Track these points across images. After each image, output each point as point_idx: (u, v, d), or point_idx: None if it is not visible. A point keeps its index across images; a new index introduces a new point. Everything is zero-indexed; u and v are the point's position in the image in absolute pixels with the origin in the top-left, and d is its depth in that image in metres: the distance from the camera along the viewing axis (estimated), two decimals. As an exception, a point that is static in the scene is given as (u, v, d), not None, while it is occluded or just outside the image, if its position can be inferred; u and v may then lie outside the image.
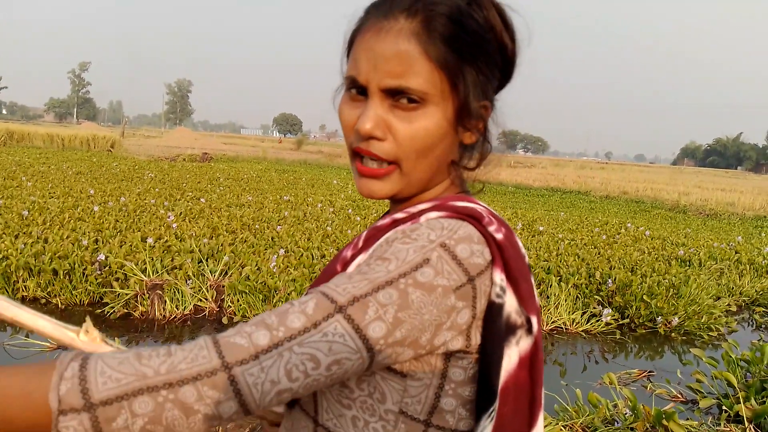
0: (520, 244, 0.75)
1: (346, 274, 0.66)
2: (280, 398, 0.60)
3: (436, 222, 0.68)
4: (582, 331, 5.50)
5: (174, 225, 7.00)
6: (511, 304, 0.69)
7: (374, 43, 0.69)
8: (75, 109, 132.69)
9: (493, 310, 0.68)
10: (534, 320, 0.71)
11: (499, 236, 0.69)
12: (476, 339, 0.69)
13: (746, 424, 3.46)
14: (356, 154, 0.73)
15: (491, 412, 0.68)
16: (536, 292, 0.75)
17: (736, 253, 8.91)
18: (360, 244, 0.74)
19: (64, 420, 0.54)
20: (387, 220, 0.75)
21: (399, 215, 0.74)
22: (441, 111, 0.70)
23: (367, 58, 0.69)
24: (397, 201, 0.79)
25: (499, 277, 0.68)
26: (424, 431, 0.70)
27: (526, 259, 0.75)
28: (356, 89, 0.72)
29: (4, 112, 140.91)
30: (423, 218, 0.71)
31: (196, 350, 0.59)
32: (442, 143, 0.72)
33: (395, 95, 0.69)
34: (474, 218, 0.70)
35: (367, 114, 0.69)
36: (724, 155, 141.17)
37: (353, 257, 0.73)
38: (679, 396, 4.16)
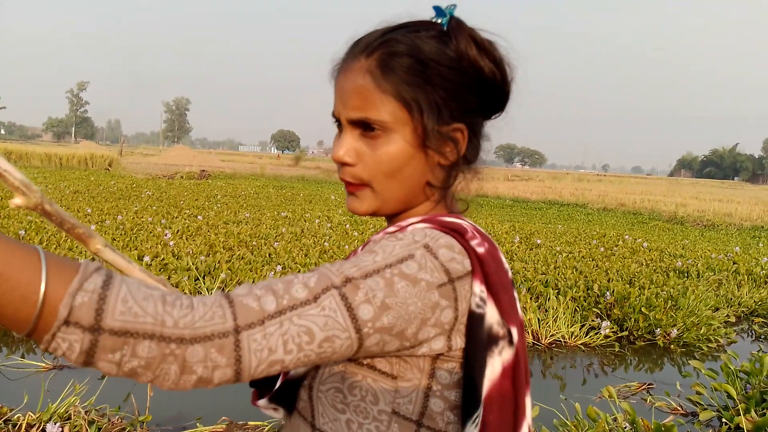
0: (503, 259, 0.80)
1: (339, 261, 0.69)
2: (270, 369, 0.60)
3: (420, 230, 0.74)
4: (581, 344, 5.48)
5: (171, 243, 6.99)
6: (492, 315, 0.72)
7: (342, 81, 0.78)
8: (73, 129, 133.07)
9: (474, 320, 0.71)
10: (515, 331, 0.74)
11: (480, 250, 0.73)
12: (458, 343, 0.72)
13: (746, 436, 3.43)
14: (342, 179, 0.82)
15: (476, 419, 0.71)
16: (519, 305, 0.79)
17: (734, 263, 8.91)
18: (358, 253, 0.78)
19: (65, 331, 0.52)
20: (380, 234, 0.79)
21: (391, 228, 0.79)
22: (401, 137, 0.76)
23: (338, 95, 0.79)
24: (389, 219, 0.86)
25: (478, 288, 0.71)
26: (416, 430, 0.73)
27: (509, 274, 0.80)
28: (337, 123, 0.81)
29: (2, 132, 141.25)
30: (410, 228, 0.76)
31: (215, 308, 0.58)
32: (409, 165, 0.78)
33: (361, 126, 0.77)
34: (457, 232, 0.74)
35: (339, 144, 0.79)
36: (721, 166, 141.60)
37: None
38: (679, 408, 4.14)
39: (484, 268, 0.73)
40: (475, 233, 0.76)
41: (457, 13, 0.78)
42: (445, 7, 0.77)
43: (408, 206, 0.82)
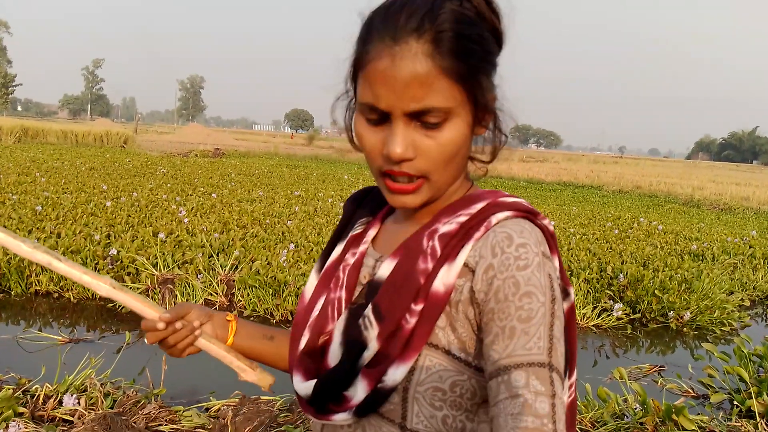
0: None
1: (514, 327, 0.68)
2: None
3: (515, 226, 0.73)
4: (593, 325, 5.47)
5: (185, 220, 7.04)
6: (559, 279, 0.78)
7: (391, 70, 0.70)
8: (89, 106, 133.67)
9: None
10: (570, 290, 0.80)
11: (551, 228, 0.79)
12: None
13: (758, 419, 3.43)
14: (385, 174, 0.76)
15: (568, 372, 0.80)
16: None
17: (750, 247, 8.82)
18: (438, 253, 0.74)
19: None
20: (453, 226, 0.76)
21: (462, 218, 0.76)
22: (463, 120, 0.73)
23: (387, 86, 0.70)
24: None
25: (557, 262, 0.77)
26: None
27: None
28: (376, 114, 0.73)
29: (19, 108, 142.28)
30: (494, 220, 0.75)
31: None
32: (465, 146, 0.76)
33: (419, 116, 0.72)
34: (532, 214, 0.78)
35: (395, 140, 0.72)
36: (740, 149, 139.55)
37: (435, 268, 0.74)
38: (690, 391, 4.13)
39: (555, 242, 0.79)
40: (536, 210, 0.80)
41: None
42: None
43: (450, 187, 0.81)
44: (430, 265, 0.74)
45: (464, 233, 0.75)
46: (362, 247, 0.89)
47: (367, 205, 0.94)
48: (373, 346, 0.74)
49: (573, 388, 0.86)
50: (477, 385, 0.74)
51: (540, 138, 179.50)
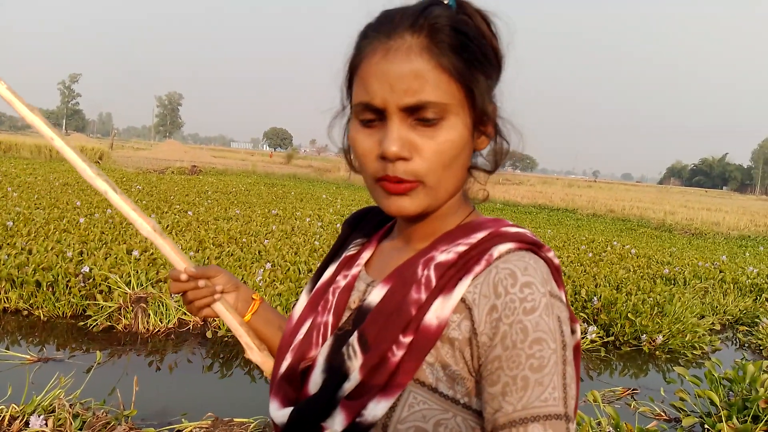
0: None
1: (526, 378, 0.65)
2: None
3: (519, 262, 0.69)
4: (567, 348, 5.50)
5: (160, 238, 6.95)
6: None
7: (385, 64, 0.69)
8: (64, 121, 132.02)
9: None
10: (577, 326, 0.75)
11: (556, 261, 0.75)
12: None
13: (728, 442, 3.47)
14: (380, 180, 0.73)
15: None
16: None
17: (720, 272, 8.99)
18: (433, 284, 0.71)
19: None
20: (452, 255, 0.72)
21: (461, 248, 0.73)
22: (461, 120, 0.71)
23: (381, 81, 0.69)
24: (412, 218, 0.79)
25: (563, 297, 0.72)
26: None
27: None
28: (370, 114, 0.71)
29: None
30: (496, 252, 0.71)
31: None
32: (464, 152, 0.73)
33: (415, 112, 0.69)
34: (536, 246, 0.74)
35: (390, 137, 0.69)
36: (710, 175, 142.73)
37: (429, 300, 0.70)
38: (663, 414, 4.17)
39: (560, 276, 0.74)
40: (541, 242, 0.76)
41: None
42: None
43: (449, 199, 0.77)
44: (424, 296, 0.70)
45: (463, 264, 0.71)
46: (354, 270, 0.85)
47: (363, 227, 0.92)
48: (354, 377, 0.70)
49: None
50: (463, 424, 0.69)
51: (516, 161, 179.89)
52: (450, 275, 0.71)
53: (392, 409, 0.69)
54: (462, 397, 0.69)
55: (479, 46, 0.71)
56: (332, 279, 0.87)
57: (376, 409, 0.69)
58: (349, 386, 0.70)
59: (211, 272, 0.96)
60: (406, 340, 0.69)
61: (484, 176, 0.82)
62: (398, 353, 0.69)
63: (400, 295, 0.72)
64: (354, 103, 0.74)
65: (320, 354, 0.77)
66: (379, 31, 0.71)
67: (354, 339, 0.72)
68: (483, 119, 0.73)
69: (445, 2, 0.72)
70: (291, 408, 0.76)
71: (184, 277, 0.94)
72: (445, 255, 0.73)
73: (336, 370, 0.73)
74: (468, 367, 0.69)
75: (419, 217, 0.78)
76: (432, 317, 0.69)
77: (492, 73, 0.74)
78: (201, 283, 0.94)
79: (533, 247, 0.73)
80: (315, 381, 0.75)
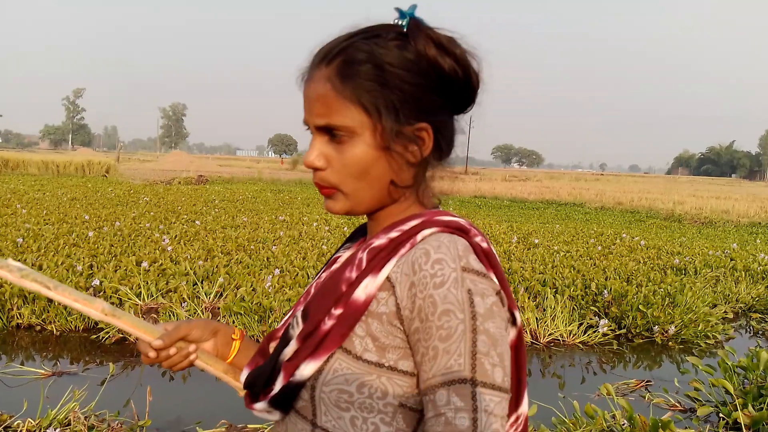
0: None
1: (436, 347, 0.72)
2: None
3: (434, 242, 0.76)
4: (579, 342, 5.49)
5: (169, 248, 7.00)
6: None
7: (306, 89, 0.82)
8: (70, 136, 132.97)
9: None
10: (517, 314, 0.83)
11: (484, 245, 0.81)
12: None
13: (744, 431, 3.45)
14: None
15: None
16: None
17: (731, 260, 8.93)
18: (363, 265, 0.79)
19: None
20: (383, 240, 0.80)
21: (393, 234, 0.81)
22: (364, 140, 0.79)
23: (305, 103, 0.82)
24: (371, 215, 0.88)
25: (494, 278, 0.78)
26: (419, 419, 0.78)
27: None
28: (308, 130, 0.84)
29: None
30: (420, 236, 0.79)
31: None
32: (374, 167, 0.80)
33: (327, 131, 0.80)
34: (462, 231, 0.80)
35: (309, 150, 0.82)
36: (718, 163, 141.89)
37: (359, 278, 0.78)
38: (677, 405, 4.15)
39: (491, 260, 0.80)
40: (474, 229, 0.82)
41: (433, 12, 0.80)
42: (407, 9, 0.79)
43: (382, 204, 0.85)
44: (354, 275, 0.79)
45: (393, 248, 0.79)
46: (334, 267, 0.94)
47: (356, 235, 1.00)
48: (293, 344, 0.81)
49: (520, 421, 0.86)
50: (389, 383, 0.76)
51: (522, 157, 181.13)
52: (380, 257, 0.79)
53: (319, 372, 0.78)
54: (387, 361, 0.76)
55: (392, 73, 0.77)
56: (318, 277, 0.98)
57: (305, 370, 0.78)
58: (288, 351, 0.81)
59: (181, 332, 0.95)
60: (337, 312, 0.78)
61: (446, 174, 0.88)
62: (329, 323, 0.78)
63: (338, 275, 0.81)
64: None
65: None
66: (313, 60, 0.82)
67: (299, 313, 0.84)
68: (395, 139, 0.79)
69: (399, 23, 0.79)
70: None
71: (152, 354, 0.92)
72: (378, 240, 0.81)
73: (284, 339, 0.84)
74: (402, 337, 0.76)
75: (375, 217, 0.88)
76: (360, 293, 0.77)
77: (413, 95, 0.78)
78: (172, 350, 0.92)
79: (458, 231, 0.80)
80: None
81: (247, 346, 1.02)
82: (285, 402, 0.81)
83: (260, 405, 0.84)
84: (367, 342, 0.76)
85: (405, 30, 0.78)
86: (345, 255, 0.96)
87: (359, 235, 1.00)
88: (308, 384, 0.79)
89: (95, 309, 0.87)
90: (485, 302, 0.73)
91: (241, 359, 0.99)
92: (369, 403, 0.76)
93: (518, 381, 0.83)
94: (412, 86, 0.78)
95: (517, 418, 0.86)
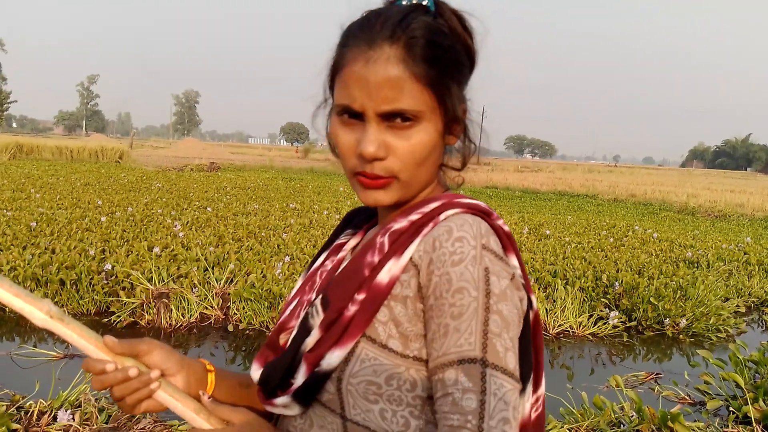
0: None
1: (447, 325, 0.70)
2: None
3: (458, 220, 0.75)
4: (589, 334, 5.47)
5: (180, 234, 7.04)
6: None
7: (365, 72, 0.73)
8: (84, 122, 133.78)
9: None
10: (533, 297, 0.81)
11: (506, 228, 0.80)
12: None
13: (754, 425, 3.43)
14: (358, 174, 0.78)
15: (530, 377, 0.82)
16: None
17: (745, 254, 8.84)
18: (386, 249, 0.77)
19: None
20: (404, 223, 0.78)
21: (414, 216, 0.79)
22: (433, 124, 0.76)
23: (360, 87, 0.74)
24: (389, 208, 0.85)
25: (514, 261, 0.78)
26: None
27: None
28: (349, 115, 0.77)
29: (14, 125, 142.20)
30: (442, 216, 0.77)
31: None
32: (435, 152, 0.79)
33: (391, 117, 0.74)
34: (485, 213, 0.79)
35: (368, 138, 0.75)
36: (734, 156, 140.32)
37: (382, 262, 0.76)
38: (687, 398, 4.13)
39: (512, 243, 0.79)
40: (494, 212, 0.82)
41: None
42: None
43: (421, 191, 0.83)
44: (377, 259, 0.77)
45: (414, 230, 0.77)
46: (341, 254, 0.93)
47: (356, 220, 0.98)
48: (315, 333, 0.77)
49: (540, 402, 0.85)
50: (417, 375, 0.74)
51: (535, 148, 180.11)
52: (402, 241, 0.77)
53: (345, 362, 0.75)
54: (412, 352, 0.74)
55: (452, 55, 0.76)
56: (321, 264, 0.94)
57: (331, 359, 0.75)
58: (310, 341, 0.78)
59: (142, 347, 0.82)
60: (360, 297, 0.75)
61: (458, 163, 0.88)
62: (352, 309, 0.75)
63: (359, 260, 0.79)
64: (336, 103, 0.79)
65: (298, 323, 0.85)
66: (361, 38, 0.75)
67: (318, 300, 0.80)
68: (453, 122, 0.79)
69: (424, 3, 0.76)
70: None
71: (109, 367, 0.78)
72: (399, 224, 0.79)
73: (303, 330, 0.80)
74: (422, 321, 0.74)
75: (396, 206, 0.83)
76: (384, 276, 0.75)
77: (464, 77, 0.80)
78: (132, 371, 0.78)
79: (480, 213, 0.79)
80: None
81: (222, 378, 0.91)
82: (308, 395, 0.78)
83: (281, 400, 0.79)
84: (390, 328, 0.74)
85: (432, 8, 0.76)
86: (352, 241, 0.94)
87: (359, 219, 0.97)
88: (334, 376, 0.76)
89: (40, 309, 0.75)
90: (501, 283, 0.72)
91: (221, 395, 0.89)
92: (398, 395, 0.74)
93: (537, 363, 0.83)
94: (461, 65, 0.78)
95: (537, 399, 0.85)
